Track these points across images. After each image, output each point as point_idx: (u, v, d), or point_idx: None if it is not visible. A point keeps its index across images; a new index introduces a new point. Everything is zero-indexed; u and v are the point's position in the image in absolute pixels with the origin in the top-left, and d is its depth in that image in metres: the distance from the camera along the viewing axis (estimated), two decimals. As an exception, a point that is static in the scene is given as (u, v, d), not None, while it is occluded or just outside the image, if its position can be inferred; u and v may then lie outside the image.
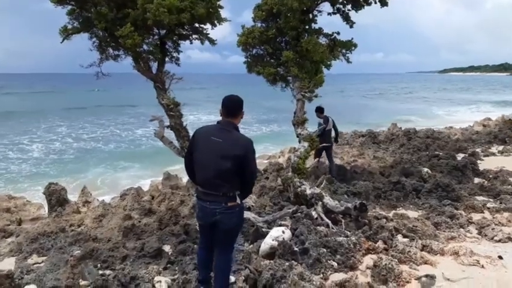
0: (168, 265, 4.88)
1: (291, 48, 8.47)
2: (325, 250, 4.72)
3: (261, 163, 13.56)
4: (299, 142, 8.22)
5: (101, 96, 56.37)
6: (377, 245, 5.10)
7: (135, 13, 7.42)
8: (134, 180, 12.73)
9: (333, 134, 9.66)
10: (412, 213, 7.22)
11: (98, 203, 7.71)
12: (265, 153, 15.39)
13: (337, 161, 11.70)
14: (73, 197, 8.80)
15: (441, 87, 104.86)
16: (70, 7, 7.83)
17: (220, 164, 3.40)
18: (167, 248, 5.36)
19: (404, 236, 5.42)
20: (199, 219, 3.82)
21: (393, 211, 7.34)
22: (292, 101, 8.60)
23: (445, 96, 69.56)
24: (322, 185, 6.67)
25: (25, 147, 20.66)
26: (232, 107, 3.55)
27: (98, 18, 7.62)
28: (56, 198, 7.37)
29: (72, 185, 12.32)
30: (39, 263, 5.16)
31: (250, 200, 6.62)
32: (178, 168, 10.39)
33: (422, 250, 5.10)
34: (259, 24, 9.00)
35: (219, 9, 7.82)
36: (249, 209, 6.19)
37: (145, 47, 8.25)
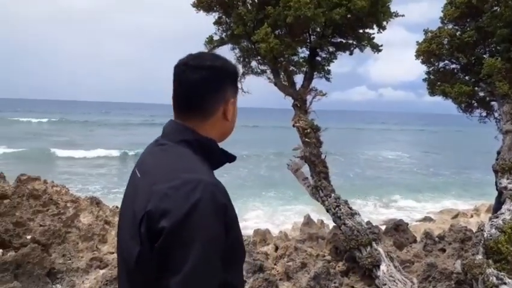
0: None
1: (499, 55, 5.57)
2: None
3: (442, 220, 10.18)
4: (501, 201, 5.16)
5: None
6: None
7: (276, 11, 5.92)
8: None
9: None
10: None
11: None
12: (452, 208, 11.67)
13: None
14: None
15: None
16: (216, 16, 6.94)
17: (127, 247, 1.17)
18: None
19: None
20: None
21: None
22: (496, 136, 5.61)
23: None
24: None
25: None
26: (192, 85, 1.26)
27: (236, 22, 6.45)
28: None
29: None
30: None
31: (403, 288, 4.03)
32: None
33: None
34: (449, 26, 6.36)
35: (388, 1, 5.64)
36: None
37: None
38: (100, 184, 16.32)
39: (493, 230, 4.21)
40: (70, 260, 5.94)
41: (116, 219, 8.26)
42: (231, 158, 1.33)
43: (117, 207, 8.89)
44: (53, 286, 5.35)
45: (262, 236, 7.04)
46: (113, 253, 6.34)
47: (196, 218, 1.04)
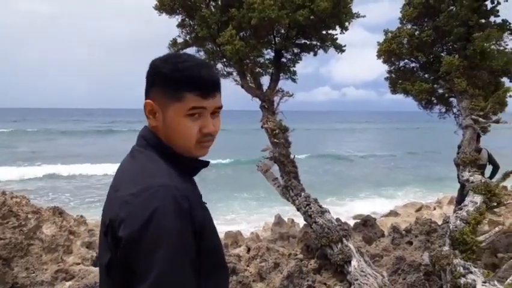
0: None
1: (456, 52, 5.79)
2: None
3: (407, 213, 10.50)
4: (464, 193, 5.36)
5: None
6: None
7: (240, 13, 5.90)
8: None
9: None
10: None
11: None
12: (415, 202, 12.06)
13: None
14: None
15: None
16: (180, 18, 6.81)
17: (101, 256, 1.15)
18: None
19: None
20: None
21: None
22: (456, 131, 5.82)
23: None
24: (510, 279, 3.74)
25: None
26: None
27: (200, 24, 6.36)
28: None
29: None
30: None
31: (374, 282, 4.11)
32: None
33: None
34: (408, 26, 6.57)
35: (350, 2, 5.75)
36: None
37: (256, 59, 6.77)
38: (70, 193, 15.64)
39: (458, 221, 4.38)
40: (34, 273, 5.66)
41: (82, 228, 7.97)
42: (204, 164, 1.26)
43: (82, 216, 8.56)
44: (17, 302, 5.09)
45: (234, 238, 7.01)
46: (79, 264, 6.10)
47: (156, 224, 0.97)
